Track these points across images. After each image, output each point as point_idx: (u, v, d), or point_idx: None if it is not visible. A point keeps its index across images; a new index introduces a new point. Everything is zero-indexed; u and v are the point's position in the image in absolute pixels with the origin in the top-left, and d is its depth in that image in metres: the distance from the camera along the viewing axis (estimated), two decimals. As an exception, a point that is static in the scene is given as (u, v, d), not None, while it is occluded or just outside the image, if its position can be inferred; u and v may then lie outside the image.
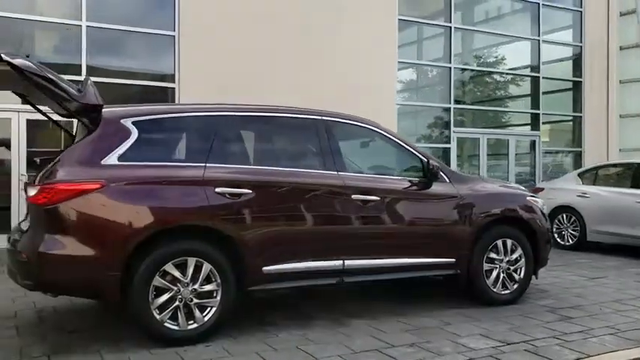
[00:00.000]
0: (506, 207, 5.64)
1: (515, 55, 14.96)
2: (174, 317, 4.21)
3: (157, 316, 4.15)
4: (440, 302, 5.58)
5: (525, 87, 15.14)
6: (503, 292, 5.56)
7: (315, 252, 4.72)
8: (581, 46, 15.53)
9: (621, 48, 16.01)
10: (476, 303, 5.48)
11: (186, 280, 4.24)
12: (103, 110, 4.32)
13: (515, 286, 5.62)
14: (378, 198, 4.97)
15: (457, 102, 13.64)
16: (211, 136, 4.57)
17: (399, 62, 12.59)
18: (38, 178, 4.14)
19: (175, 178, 4.33)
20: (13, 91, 5.10)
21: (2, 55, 3.82)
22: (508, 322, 4.92)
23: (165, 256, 4.18)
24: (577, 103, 15.61)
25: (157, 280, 4.16)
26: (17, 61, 3.87)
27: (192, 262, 4.26)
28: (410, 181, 5.26)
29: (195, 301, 4.28)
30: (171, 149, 4.61)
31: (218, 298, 4.34)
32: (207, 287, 4.32)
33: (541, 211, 5.89)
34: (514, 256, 5.60)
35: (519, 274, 5.64)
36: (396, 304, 5.47)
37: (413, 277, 5.22)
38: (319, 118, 5.07)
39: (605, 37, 15.75)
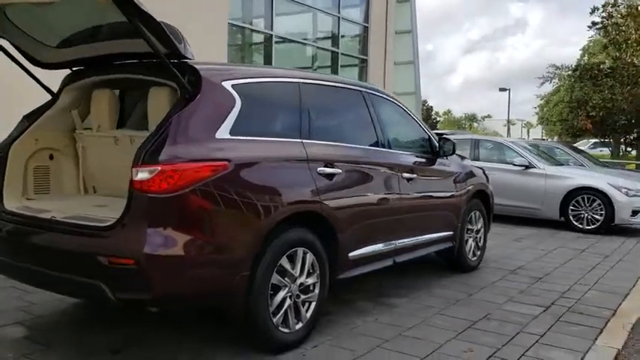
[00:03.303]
0: (480, 181, 6.14)
1: (318, 28, 15.60)
2: (284, 319, 3.61)
3: (273, 320, 3.51)
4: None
5: (326, 59, 15.94)
6: (473, 259, 6.11)
7: (384, 233, 4.53)
8: (367, 26, 16.97)
9: (397, 32, 18.00)
10: (455, 272, 5.91)
11: (296, 275, 3.67)
12: (199, 69, 3.38)
13: (479, 252, 6.22)
14: (415, 175, 4.95)
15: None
16: (303, 107, 3.96)
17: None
18: (141, 156, 3.04)
19: (290, 157, 3.67)
20: None
21: None
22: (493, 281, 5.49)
23: (283, 247, 3.54)
24: (363, 80, 17.10)
25: (275, 277, 3.51)
26: None
27: (300, 252, 3.69)
28: (427, 157, 5.33)
29: (302, 297, 3.74)
30: (270, 121, 3.81)
31: (316, 291, 3.86)
32: (310, 280, 3.80)
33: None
34: (479, 225, 6.17)
35: (481, 242, 6.25)
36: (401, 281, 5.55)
37: (430, 252, 5.38)
38: (372, 92, 4.82)
39: (384, 21, 17.50)
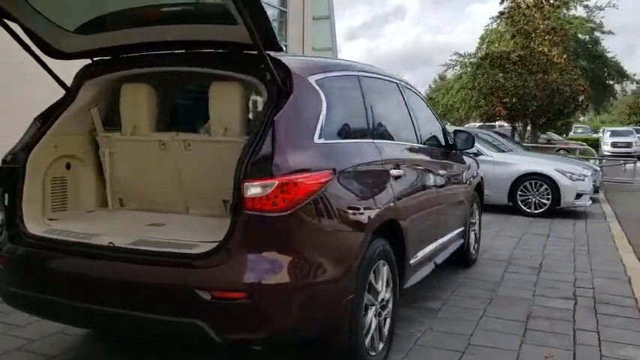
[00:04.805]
0: (479, 173, 6.05)
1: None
2: (371, 340, 3.24)
3: (366, 343, 3.13)
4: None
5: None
6: (473, 253, 6.02)
7: (429, 234, 4.28)
8: (286, 12, 16.52)
9: (314, 18, 17.68)
10: (457, 267, 5.78)
11: (379, 290, 3.31)
12: (287, 63, 2.89)
13: (477, 245, 6.15)
14: (445, 171, 4.74)
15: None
16: (366, 103, 3.56)
17: None
18: (247, 168, 2.51)
19: (371, 161, 3.29)
20: None
21: None
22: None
23: (372, 262, 3.16)
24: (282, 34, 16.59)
25: (366, 296, 3.13)
26: None
27: (380, 265, 3.33)
28: (447, 151, 5.11)
29: (382, 314, 3.39)
30: (346, 120, 3.34)
31: (390, 306, 3.51)
32: (387, 295, 3.46)
33: None
34: (477, 218, 6.10)
35: (479, 235, 6.19)
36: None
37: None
38: (402, 83, 4.48)
39: (301, 6, 17.12)
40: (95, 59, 3.33)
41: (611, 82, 23.65)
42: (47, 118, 3.20)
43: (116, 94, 3.41)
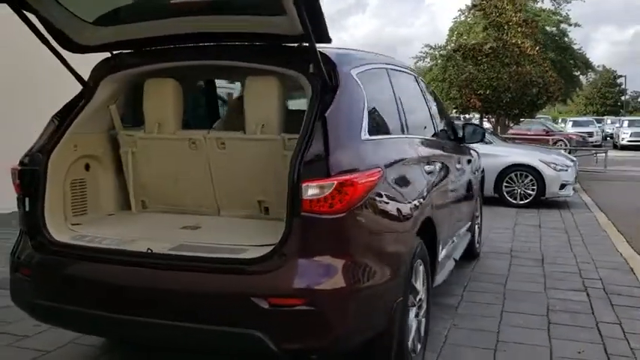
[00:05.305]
0: (482, 167, 6.01)
1: None
2: (412, 342, 3.15)
3: (409, 345, 3.04)
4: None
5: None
6: (477, 246, 6.00)
7: (451, 230, 4.21)
8: None
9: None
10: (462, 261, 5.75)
11: (419, 290, 3.22)
12: (330, 55, 2.75)
13: (479, 238, 6.13)
14: (460, 165, 4.68)
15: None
16: (396, 96, 3.45)
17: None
18: (301, 168, 2.37)
19: (409, 157, 3.19)
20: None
21: None
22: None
23: (413, 261, 3.06)
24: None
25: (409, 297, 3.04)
26: None
27: (418, 264, 3.23)
28: (457, 144, 5.04)
29: (420, 314, 3.30)
30: (383, 114, 3.22)
31: (425, 306, 3.43)
32: (423, 295, 3.37)
33: None
34: (479, 211, 6.08)
35: (480, 227, 6.17)
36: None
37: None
38: (417, 75, 4.39)
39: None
40: (115, 52, 3.12)
41: (577, 74, 24.15)
42: (66, 116, 2.98)
43: (136, 89, 3.21)
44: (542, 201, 9.74)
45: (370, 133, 2.81)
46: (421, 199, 3.15)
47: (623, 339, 3.82)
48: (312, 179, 2.34)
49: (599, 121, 35.31)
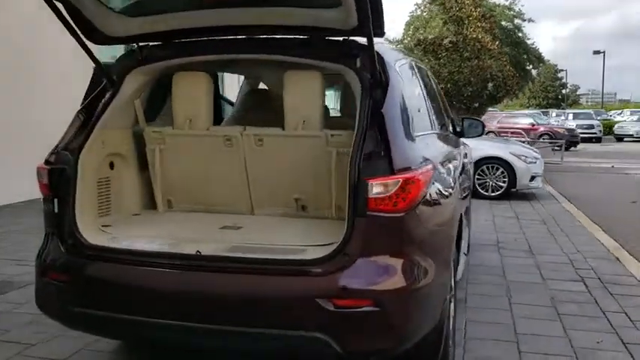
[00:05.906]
0: (472, 160, 6.07)
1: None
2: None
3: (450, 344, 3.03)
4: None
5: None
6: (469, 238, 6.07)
7: (466, 224, 4.22)
8: None
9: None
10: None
11: (453, 285, 3.21)
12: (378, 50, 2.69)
13: (469, 230, 6.20)
14: (465, 159, 4.70)
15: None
16: (426, 90, 3.43)
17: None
18: (361, 165, 2.30)
19: (447, 153, 3.17)
20: None
21: None
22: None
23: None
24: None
25: (446, 292, 3.03)
26: None
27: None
28: (456, 137, 5.06)
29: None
30: (420, 109, 3.17)
31: (453, 300, 3.42)
32: (453, 291, 3.36)
33: None
34: (469, 202, 6.14)
35: (471, 220, 6.25)
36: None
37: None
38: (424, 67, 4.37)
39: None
40: (141, 44, 2.96)
41: (530, 67, 24.88)
42: (92, 112, 2.81)
43: (162, 84, 3.06)
44: (512, 193, 9.97)
45: (417, 129, 2.78)
46: (457, 195, 3.15)
47: (633, 327, 3.93)
48: (376, 177, 2.28)
49: (545, 114, 36.43)
